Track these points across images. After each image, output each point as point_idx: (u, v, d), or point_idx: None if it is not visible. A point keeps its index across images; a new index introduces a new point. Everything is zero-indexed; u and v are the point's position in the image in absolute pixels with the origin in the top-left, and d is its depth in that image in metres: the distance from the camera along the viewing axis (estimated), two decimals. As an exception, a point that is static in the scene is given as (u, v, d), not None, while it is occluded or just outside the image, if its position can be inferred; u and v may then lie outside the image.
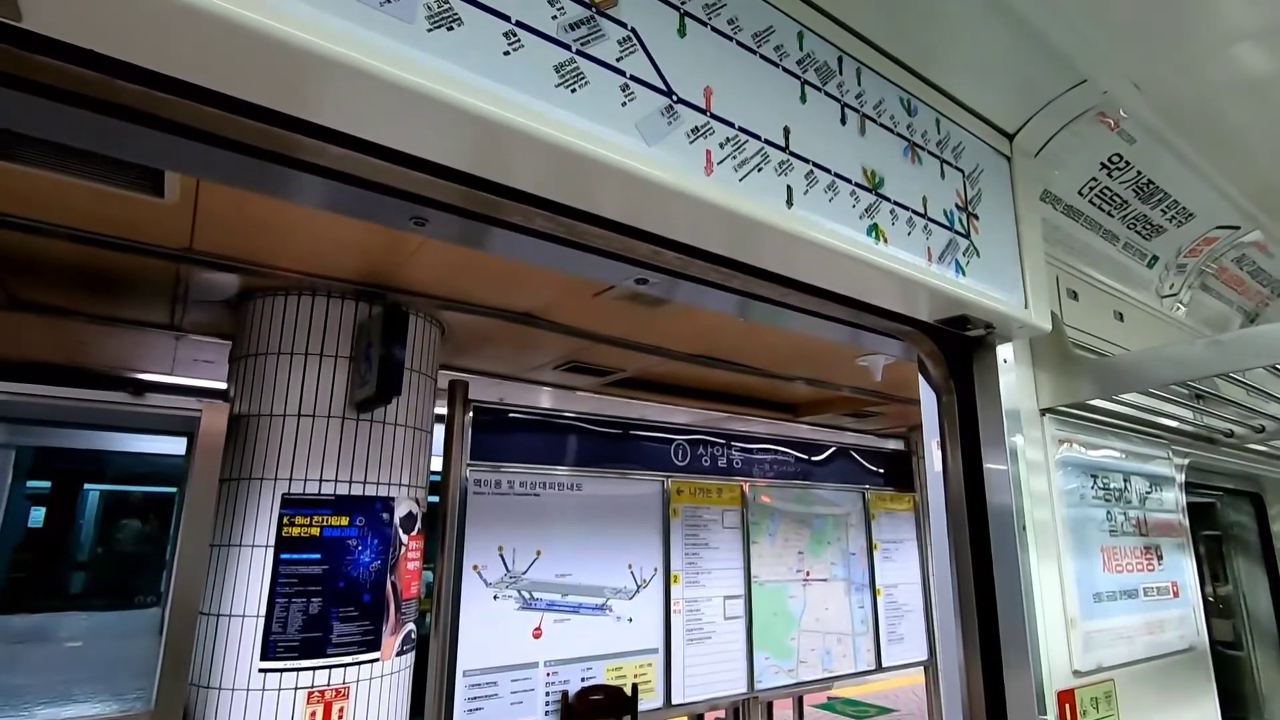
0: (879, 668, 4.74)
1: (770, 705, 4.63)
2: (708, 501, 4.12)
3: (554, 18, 0.92)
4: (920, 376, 1.86)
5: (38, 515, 4.82)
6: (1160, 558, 2.14)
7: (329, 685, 2.59)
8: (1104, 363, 1.87)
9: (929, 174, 1.48)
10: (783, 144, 1.18)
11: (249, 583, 2.57)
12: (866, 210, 1.31)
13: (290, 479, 2.67)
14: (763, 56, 1.19)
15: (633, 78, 0.99)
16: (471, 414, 3.31)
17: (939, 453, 1.81)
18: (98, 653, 3.43)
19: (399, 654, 2.82)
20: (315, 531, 2.65)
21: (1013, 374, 1.77)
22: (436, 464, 3.21)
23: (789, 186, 1.18)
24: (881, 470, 5.16)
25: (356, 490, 2.76)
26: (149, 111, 0.80)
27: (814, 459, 4.76)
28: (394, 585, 2.81)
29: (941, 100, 1.55)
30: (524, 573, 3.33)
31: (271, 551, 2.59)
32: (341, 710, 2.60)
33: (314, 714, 2.55)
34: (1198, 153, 1.93)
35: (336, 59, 0.73)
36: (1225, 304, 2.78)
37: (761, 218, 1.12)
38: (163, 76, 0.74)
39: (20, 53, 0.69)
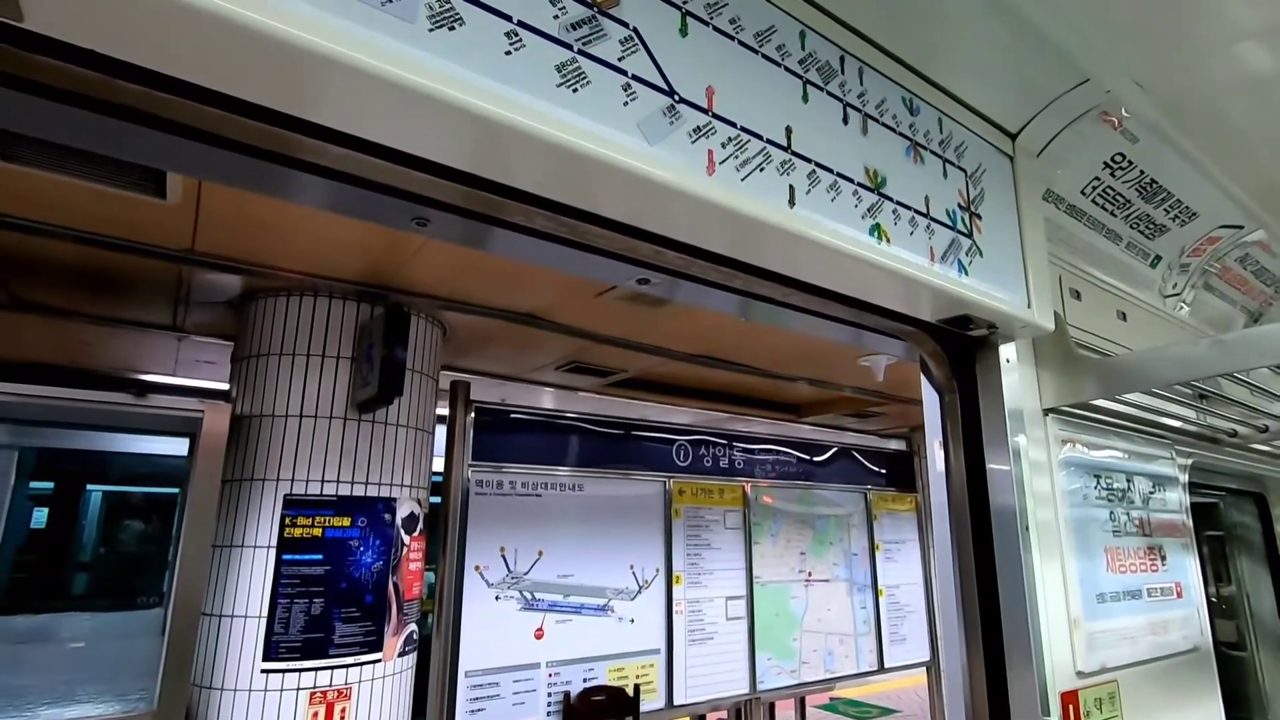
0: (881, 668, 4.73)
1: (772, 706, 4.63)
2: (710, 502, 4.11)
3: (556, 17, 0.91)
4: (922, 376, 1.85)
5: (40, 516, 4.82)
6: (1164, 558, 2.13)
7: (331, 686, 2.59)
8: (1107, 363, 1.86)
9: (931, 174, 1.47)
10: (785, 144, 1.18)
11: (251, 583, 2.57)
12: (869, 210, 1.31)
13: (292, 480, 2.67)
14: (765, 56, 1.18)
15: (634, 77, 0.99)
16: (473, 414, 3.31)
17: (941, 453, 1.81)
18: (100, 653, 3.43)
19: (401, 655, 2.82)
20: (317, 532, 2.65)
21: (1015, 374, 1.77)
22: (438, 465, 3.21)
23: (791, 186, 1.18)
24: (883, 471, 5.15)
25: (358, 491, 2.76)
26: (150, 112, 0.80)
27: (816, 459, 4.76)
28: (396, 586, 2.81)
29: (944, 100, 1.54)
30: (526, 573, 3.32)
31: (273, 552, 2.59)
32: (344, 711, 2.60)
33: (316, 714, 2.55)
34: (1201, 152, 1.92)
35: (338, 59, 0.72)
36: (1229, 303, 2.77)
37: (763, 217, 1.11)
38: (164, 76, 0.74)
39: (21, 53, 0.69)
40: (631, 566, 3.69)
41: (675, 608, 3.79)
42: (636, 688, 3.53)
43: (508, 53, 0.86)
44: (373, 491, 2.79)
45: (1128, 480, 2.09)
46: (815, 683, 4.36)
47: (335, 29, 0.73)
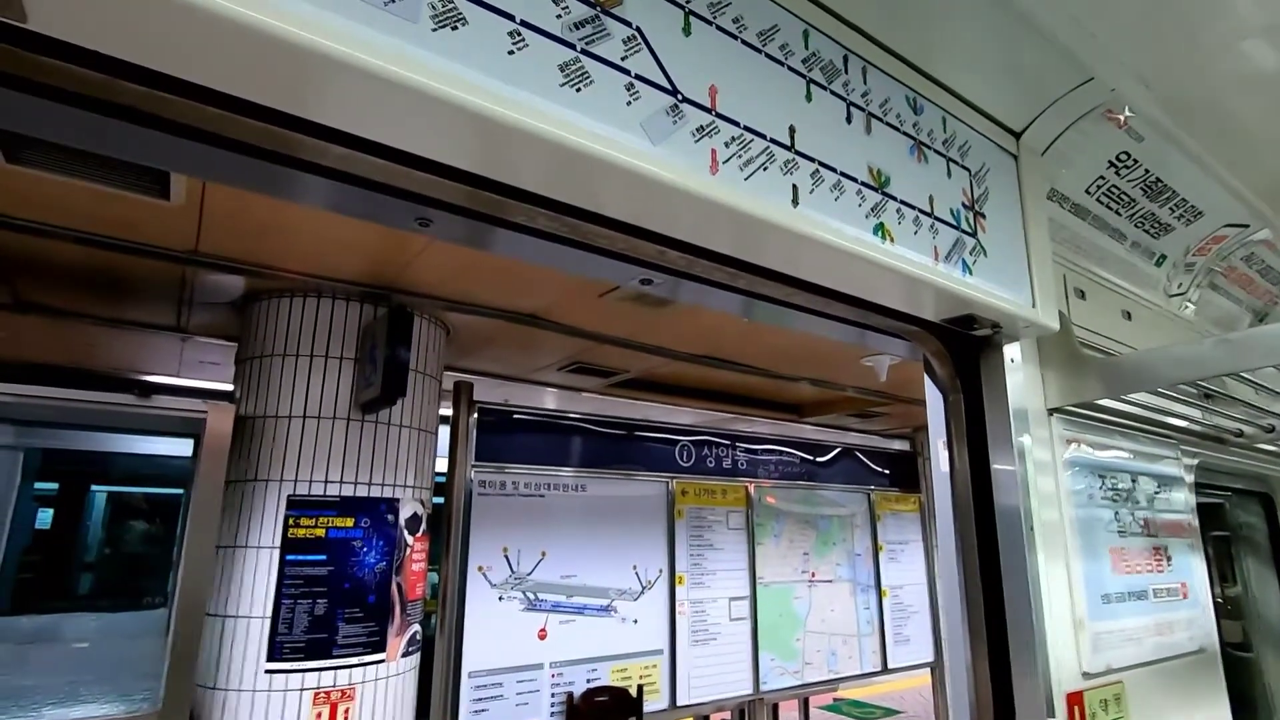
0: (885, 669, 4.72)
1: (776, 707, 4.62)
2: (712, 502, 4.11)
3: (559, 17, 0.91)
4: (926, 376, 1.85)
5: (45, 517, 4.84)
6: (1169, 559, 2.12)
7: (335, 686, 2.59)
8: (1112, 362, 1.86)
9: (935, 173, 1.47)
10: (788, 143, 1.18)
11: (255, 584, 2.57)
12: (872, 209, 1.30)
13: (295, 480, 2.67)
14: (768, 55, 1.18)
15: (637, 77, 0.99)
16: (476, 415, 3.31)
17: (945, 453, 1.80)
18: (105, 653, 3.44)
19: (404, 655, 2.82)
20: (320, 533, 2.66)
21: (1020, 374, 1.76)
22: (441, 465, 3.21)
23: (794, 186, 1.17)
24: (887, 471, 5.14)
25: (361, 492, 2.76)
26: (153, 112, 0.80)
27: (819, 460, 4.75)
28: (399, 586, 2.81)
29: (948, 98, 1.54)
30: (529, 574, 3.32)
31: (277, 553, 2.59)
32: (347, 711, 2.60)
33: (320, 715, 2.55)
34: (1206, 150, 1.91)
35: (341, 59, 0.72)
36: (1234, 303, 2.76)
37: (767, 217, 1.11)
38: (167, 77, 0.74)
39: (25, 54, 0.69)
40: (634, 567, 3.68)
41: (678, 608, 3.78)
42: (640, 688, 3.53)
43: (511, 52, 0.86)
44: (376, 492, 2.80)
45: (1133, 480, 2.08)
46: (819, 683, 4.36)
47: (338, 29, 0.73)
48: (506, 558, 3.27)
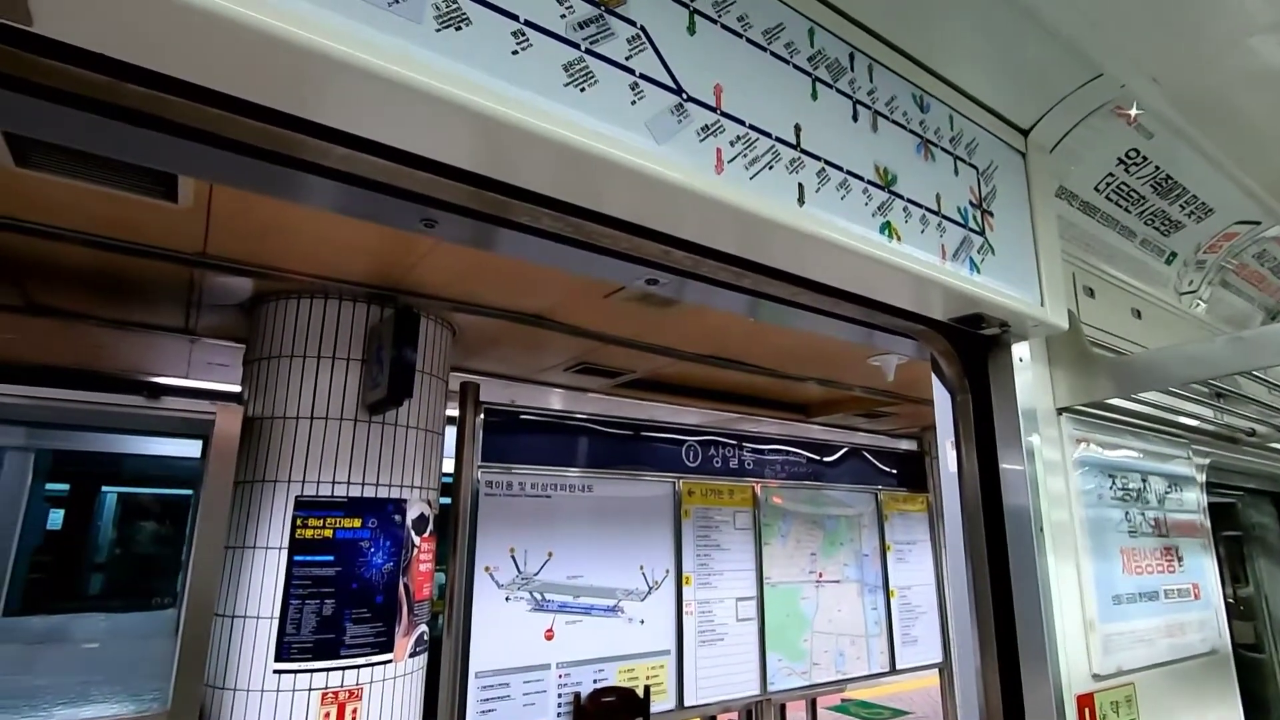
0: (893, 670, 4.70)
1: (783, 707, 4.60)
2: (719, 503, 4.10)
3: (563, 16, 0.91)
4: (934, 376, 1.84)
5: (56, 517, 4.88)
6: (1181, 559, 2.10)
7: (342, 686, 2.59)
8: (1122, 361, 1.84)
9: (942, 171, 1.46)
10: (794, 142, 1.17)
11: (263, 584, 2.58)
12: (879, 208, 1.30)
13: (303, 481, 2.68)
14: (773, 54, 1.17)
15: (642, 76, 0.99)
16: (483, 416, 3.31)
17: (953, 453, 1.79)
18: (115, 654, 3.46)
19: (412, 655, 2.83)
20: (328, 533, 2.66)
21: (1029, 373, 1.75)
22: (448, 466, 3.21)
23: (800, 185, 1.17)
24: (894, 471, 5.12)
25: (369, 492, 2.77)
26: (158, 114, 0.80)
27: (826, 460, 4.73)
28: (406, 587, 2.81)
29: (955, 96, 1.53)
30: (536, 574, 3.32)
31: (285, 553, 2.60)
32: (355, 711, 2.61)
33: (328, 715, 2.56)
34: (1217, 147, 1.89)
35: (345, 60, 0.72)
36: (1246, 300, 2.73)
37: (772, 216, 1.11)
38: (171, 79, 0.74)
39: (30, 57, 0.69)
40: (641, 567, 3.68)
41: (685, 608, 3.78)
42: (647, 689, 3.53)
43: (515, 52, 0.86)
44: (383, 493, 2.80)
45: (1143, 480, 2.07)
46: (826, 684, 4.34)
47: (342, 30, 0.72)
48: (513, 558, 3.28)
